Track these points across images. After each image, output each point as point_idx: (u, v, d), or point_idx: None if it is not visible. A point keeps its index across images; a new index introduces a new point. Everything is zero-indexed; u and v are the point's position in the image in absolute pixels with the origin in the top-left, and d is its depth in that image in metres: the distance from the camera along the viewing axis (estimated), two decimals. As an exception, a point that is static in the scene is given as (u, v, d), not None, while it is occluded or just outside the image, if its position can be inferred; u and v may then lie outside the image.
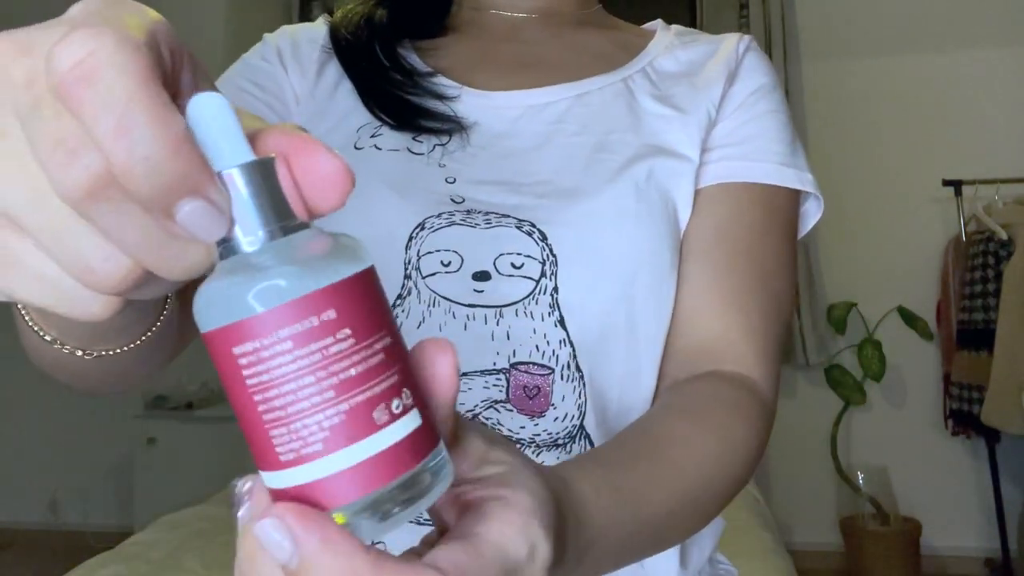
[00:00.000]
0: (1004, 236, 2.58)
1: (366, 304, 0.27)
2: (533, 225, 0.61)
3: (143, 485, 2.92)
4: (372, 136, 0.65)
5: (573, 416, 0.60)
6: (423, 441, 0.27)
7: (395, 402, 0.27)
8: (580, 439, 0.61)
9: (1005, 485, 2.74)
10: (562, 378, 0.60)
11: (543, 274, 0.60)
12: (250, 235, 0.25)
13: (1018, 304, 2.44)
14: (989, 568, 2.88)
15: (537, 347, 0.60)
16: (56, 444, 3.31)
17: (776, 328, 0.64)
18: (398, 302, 0.61)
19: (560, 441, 0.60)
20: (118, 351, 0.41)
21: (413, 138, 0.65)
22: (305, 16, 3.30)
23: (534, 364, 0.60)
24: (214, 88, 0.27)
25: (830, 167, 2.99)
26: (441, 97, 0.67)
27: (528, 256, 0.60)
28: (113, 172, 0.23)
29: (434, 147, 0.65)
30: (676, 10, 3.17)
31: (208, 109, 0.25)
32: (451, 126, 0.65)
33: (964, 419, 2.68)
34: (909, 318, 2.82)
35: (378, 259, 0.59)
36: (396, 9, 0.73)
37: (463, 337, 0.59)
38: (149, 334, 0.42)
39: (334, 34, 0.71)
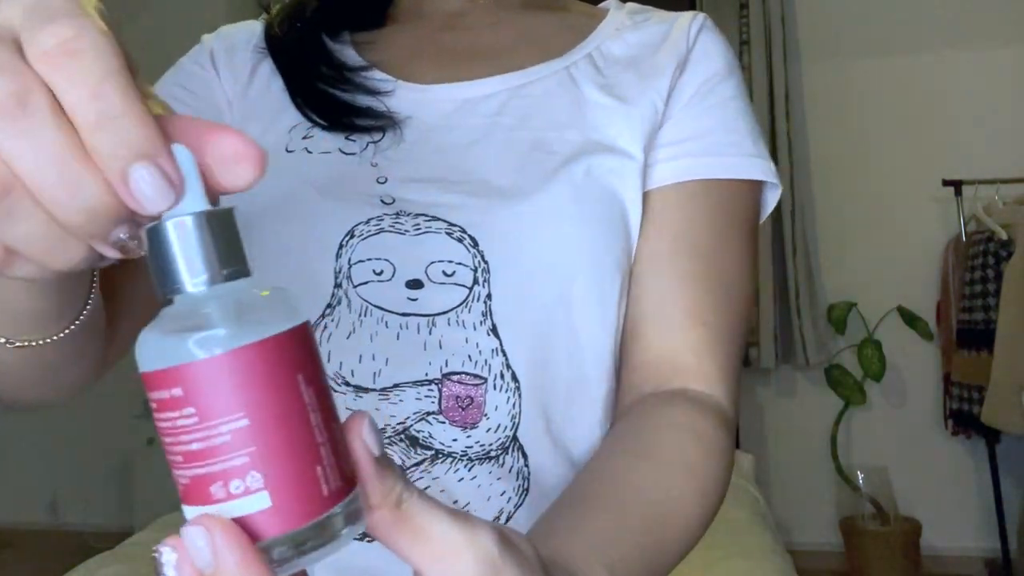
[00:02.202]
0: (1004, 236, 2.57)
1: (226, 384, 0.27)
2: (464, 231, 0.58)
3: (143, 485, 2.92)
4: (304, 138, 0.63)
5: (506, 427, 0.59)
6: (269, 522, 0.28)
7: (235, 483, 0.27)
8: (513, 450, 0.59)
9: (1005, 485, 2.74)
10: (495, 388, 0.58)
11: (475, 281, 0.58)
12: (191, 279, 0.28)
13: (1018, 304, 2.43)
14: (989, 568, 2.88)
15: (470, 356, 0.58)
16: (56, 444, 3.31)
17: (738, 340, 0.63)
18: (327, 311, 0.59)
19: (492, 453, 0.59)
20: (40, 343, 0.41)
21: (346, 137, 0.63)
22: (305, 16, 3.30)
23: (466, 374, 0.58)
24: (149, 91, 0.29)
25: (830, 167, 2.99)
26: (374, 93, 0.65)
27: (459, 263, 0.58)
28: (81, 133, 0.26)
29: (367, 145, 0.63)
30: (676, 9, 3.16)
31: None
32: (384, 123, 0.63)
33: (964, 419, 2.67)
34: (909, 318, 2.82)
35: (307, 268, 0.58)
36: (332, 2, 0.70)
37: (396, 346, 0.58)
38: (71, 327, 0.42)
39: (267, 31, 0.69)
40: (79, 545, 2.82)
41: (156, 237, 0.27)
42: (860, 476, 2.80)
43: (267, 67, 0.68)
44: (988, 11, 2.93)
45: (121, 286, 0.61)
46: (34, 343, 0.41)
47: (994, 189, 2.68)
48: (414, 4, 0.72)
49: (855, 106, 3.02)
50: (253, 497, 0.28)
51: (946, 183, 2.75)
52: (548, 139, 0.62)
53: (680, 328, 0.60)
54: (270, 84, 0.67)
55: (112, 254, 0.28)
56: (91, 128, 0.25)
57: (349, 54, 0.68)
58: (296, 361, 0.28)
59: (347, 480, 0.29)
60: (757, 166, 0.64)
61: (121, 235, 0.27)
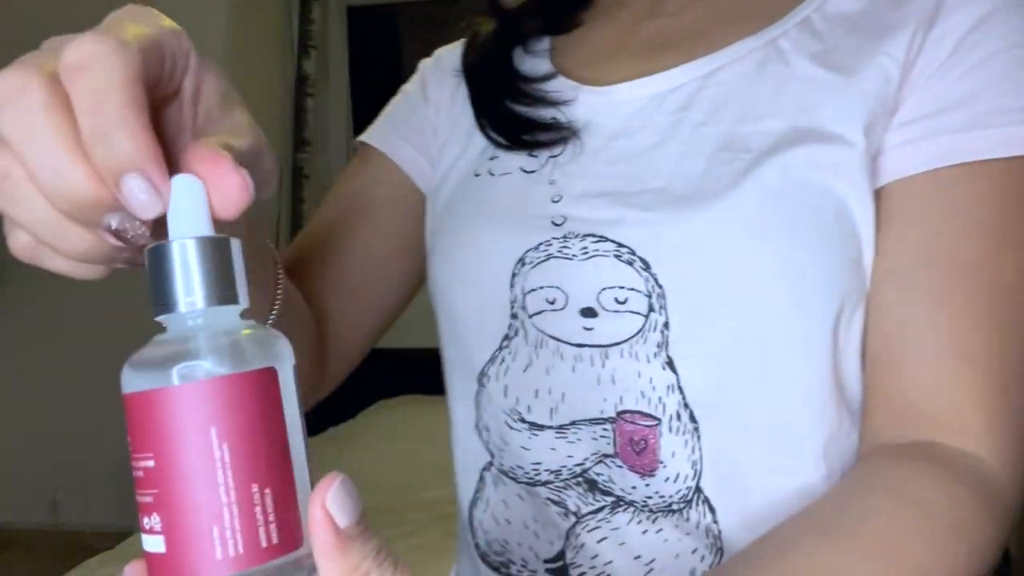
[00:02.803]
0: (1004, 236, 2.57)
1: (140, 421, 0.28)
2: (633, 252, 0.51)
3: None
4: (491, 159, 0.61)
5: (687, 476, 0.51)
6: (162, 569, 0.28)
7: (145, 518, 0.28)
8: (697, 504, 0.51)
9: (1005, 485, 2.74)
10: (670, 430, 0.51)
11: (651, 308, 0.51)
12: (183, 301, 0.29)
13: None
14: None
15: (643, 393, 0.51)
16: (56, 444, 3.31)
17: (1020, 376, 0.47)
18: (504, 343, 0.57)
19: (675, 506, 0.52)
20: None
21: (528, 154, 0.59)
22: (305, 16, 3.29)
23: (639, 413, 0.52)
24: (221, 80, 0.34)
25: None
26: (555, 104, 0.60)
27: (631, 289, 0.51)
28: (83, 143, 0.28)
29: (547, 161, 0.58)
30: None
31: (181, 186, 0.29)
32: (563, 134, 0.58)
33: (964, 419, 2.67)
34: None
35: (484, 300, 0.58)
36: (524, 13, 0.67)
37: (571, 381, 0.53)
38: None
39: (464, 52, 0.68)
40: (79, 545, 2.82)
41: (151, 257, 0.29)
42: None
43: (465, 89, 0.67)
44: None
45: (336, 322, 0.65)
46: None
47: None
48: None
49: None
50: (155, 538, 0.28)
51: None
52: (741, 133, 0.51)
53: (932, 363, 0.47)
54: (466, 106, 0.65)
55: (111, 240, 0.29)
56: (87, 139, 0.28)
57: (539, 64, 0.64)
58: (212, 413, 0.27)
59: (278, 548, 0.28)
60: None
61: (112, 223, 0.29)
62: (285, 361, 0.30)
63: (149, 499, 0.28)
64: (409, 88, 0.72)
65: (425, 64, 0.73)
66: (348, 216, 0.67)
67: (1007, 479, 0.46)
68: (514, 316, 0.56)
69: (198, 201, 0.29)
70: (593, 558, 0.54)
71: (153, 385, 0.27)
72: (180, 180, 0.29)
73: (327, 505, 0.27)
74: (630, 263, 0.51)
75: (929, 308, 0.48)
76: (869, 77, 0.50)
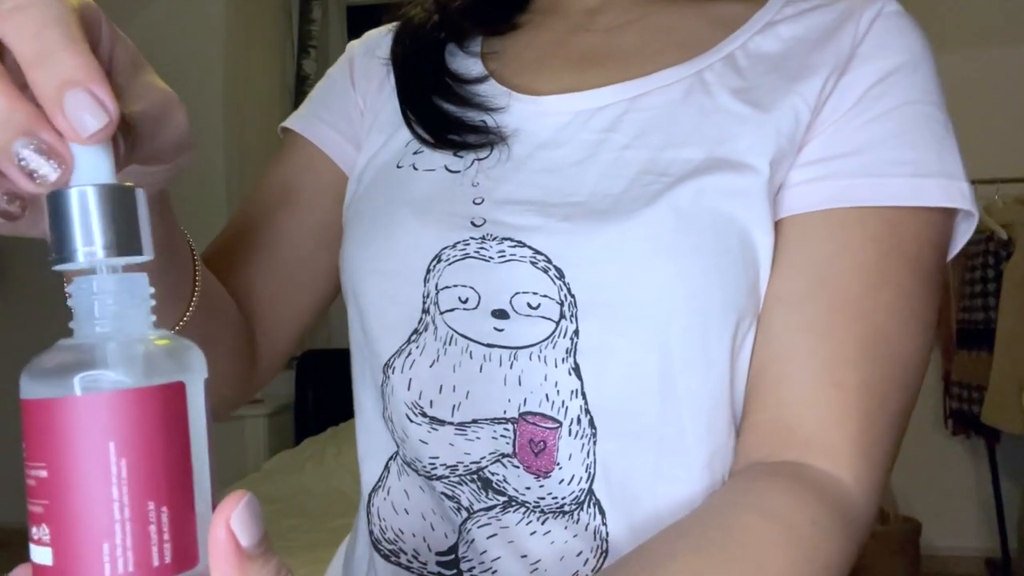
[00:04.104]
0: (1004, 236, 2.58)
1: (32, 429, 0.27)
2: (548, 260, 0.52)
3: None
4: (415, 153, 0.61)
5: (580, 479, 0.52)
6: None
7: (34, 528, 0.27)
8: (589, 506, 0.53)
9: (1005, 485, 2.74)
10: (570, 433, 0.52)
11: (562, 315, 0.52)
12: (84, 248, 0.27)
13: (1018, 304, 2.44)
14: (989, 568, 2.88)
15: (547, 396, 0.53)
16: (56, 444, 3.31)
17: (886, 407, 0.50)
18: (413, 336, 0.56)
19: (566, 507, 0.53)
20: None
21: (454, 154, 0.59)
22: (305, 16, 3.30)
23: (542, 415, 0.53)
24: (130, 46, 0.33)
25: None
26: (485, 107, 0.60)
27: (545, 296, 0.52)
28: (25, 74, 0.27)
29: (472, 163, 0.59)
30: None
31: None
32: (491, 139, 0.58)
33: (964, 419, 2.68)
34: (909, 318, 2.82)
35: (397, 291, 0.57)
36: (460, 8, 0.66)
37: (477, 380, 0.54)
38: (182, 323, 0.47)
39: (393, 41, 0.67)
40: (79, 545, 2.82)
41: (52, 203, 0.27)
42: (860, 476, 2.80)
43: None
44: (989, 11, 2.93)
45: (263, 314, 0.64)
46: None
47: (994, 189, 2.68)
48: (549, 3, 0.66)
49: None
50: (43, 550, 0.27)
51: (946, 183, 2.75)
52: (662, 160, 0.53)
53: (806, 388, 0.50)
54: (393, 95, 0.64)
55: (15, 177, 0.28)
56: (29, 65, 0.27)
57: (471, 64, 0.64)
58: (112, 427, 0.26)
59: (171, 567, 0.27)
60: (938, 189, 0.51)
61: (23, 153, 0.27)
62: (195, 373, 0.28)
63: (40, 509, 0.27)
64: (335, 72, 0.70)
65: (353, 47, 0.71)
66: (274, 206, 0.66)
67: (864, 500, 0.49)
68: (425, 311, 0.56)
69: (101, 148, 0.28)
70: (482, 553, 0.55)
71: (53, 393, 0.26)
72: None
73: (231, 524, 0.26)
74: (545, 270, 0.53)
75: (809, 337, 0.50)
76: (783, 116, 0.53)
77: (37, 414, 0.26)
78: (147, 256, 0.28)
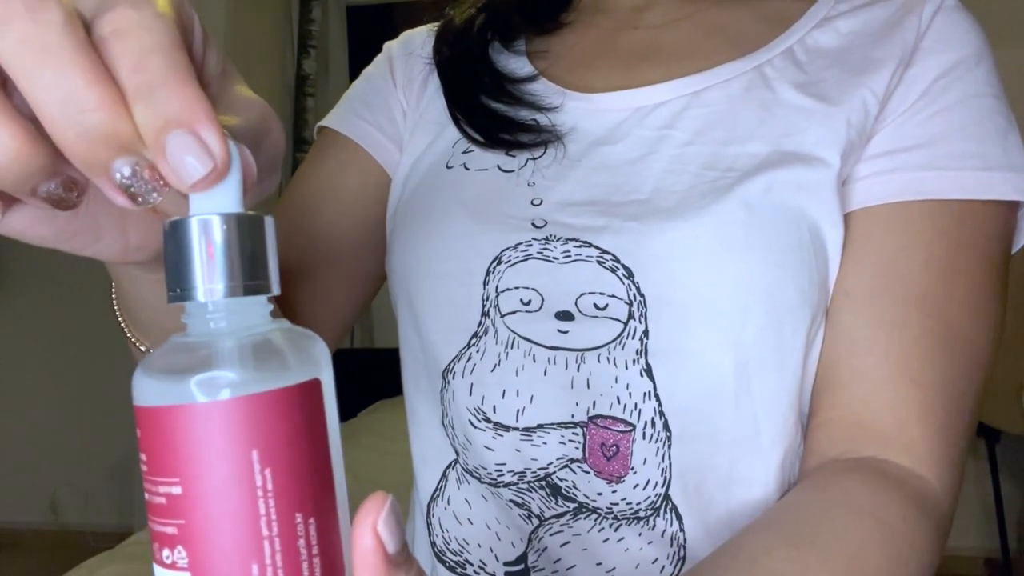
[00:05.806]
0: (1004, 236, 2.57)
1: (164, 441, 0.24)
2: (617, 259, 0.51)
3: (143, 485, 2.92)
4: (464, 152, 0.60)
5: (656, 483, 0.51)
6: None
7: (166, 552, 0.24)
8: (665, 511, 0.51)
9: (1005, 485, 2.74)
10: (644, 437, 0.51)
11: (631, 316, 0.51)
12: (206, 285, 0.24)
13: (1018, 304, 2.44)
14: (989, 568, 2.88)
15: (619, 399, 0.51)
16: (56, 444, 3.31)
17: (962, 404, 0.49)
18: (473, 340, 0.55)
19: (641, 513, 0.52)
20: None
21: (506, 153, 0.58)
22: (305, 16, 3.29)
23: (613, 419, 0.52)
24: (221, 53, 0.29)
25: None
26: (537, 106, 0.59)
27: (612, 296, 0.51)
28: (126, 96, 0.24)
29: (526, 162, 0.57)
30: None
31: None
32: (545, 138, 0.58)
33: (964, 419, 2.68)
34: (909, 318, 2.81)
35: (455, 295, 0.56)
36: (506, 7, 0.65)
37: (542, 383, 0.53)
38: None
39: (436, 40, 0.66)
40: (79, 545, 2.82)
41: (170, 231, 0.25)
42: (860, 476, 2.80)
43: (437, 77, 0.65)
44: (989, 11, 2.93)
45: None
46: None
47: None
48: (594, 2, 0.66)
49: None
50: (180, 574, 0.24)
51: (946, 183, 2.75)
52: (726, 154, 0.53)
53: (884, 385, 0.49)
54: (438, 94, 0.64)
55: (115, 197, 0.25)
56: (131, 101, 0.24)
57: (519, 64, 0.64)
58: (254, 433, 0.23)
59: None
60: (1006, 182, 0.50)
61: (124, 171, 0.25)
62: (325, 368, 0.26)
63: (173, 530, 0.24)
64: (373, 71, 0.70)
65: (391, 46, 0.70)
66: (316, 204, 0.64)
67: (945, 498, 0.48)
68: (485, 314, 0.55)
69: (232, 170, 0.25)
70: (556, 562, 0.54)
71: (183, 399, 0.23)
72: None
73: (378, 530, 0.24)
74: (613, 270, 0.52)
75: (881, 332, 0.50)
76: (852, 108, 0.53)
77: (166, 423, 0.23)
78: (274, 292, 0.25)
